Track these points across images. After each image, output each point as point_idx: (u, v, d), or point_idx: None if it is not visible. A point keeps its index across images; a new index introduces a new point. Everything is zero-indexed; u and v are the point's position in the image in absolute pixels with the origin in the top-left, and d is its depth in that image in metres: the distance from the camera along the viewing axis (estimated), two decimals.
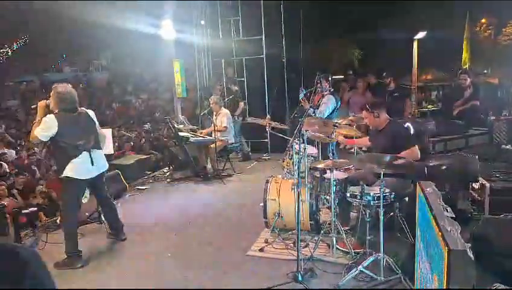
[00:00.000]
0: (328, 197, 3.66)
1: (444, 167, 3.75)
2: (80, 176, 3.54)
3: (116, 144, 7.31)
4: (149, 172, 6.77)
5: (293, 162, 3.98)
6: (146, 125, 8.78)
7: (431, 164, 3.79)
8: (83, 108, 3.73)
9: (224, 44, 8.30)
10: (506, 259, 2.54)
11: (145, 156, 6.84)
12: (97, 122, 3.79)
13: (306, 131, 3.72)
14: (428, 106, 8.86)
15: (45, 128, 3.40)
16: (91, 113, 3.76)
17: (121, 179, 5.61)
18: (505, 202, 3.36)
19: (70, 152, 3.50)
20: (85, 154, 3.56)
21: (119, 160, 6.28)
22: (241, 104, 7.58)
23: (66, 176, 3.52)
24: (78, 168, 3.52)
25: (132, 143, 8.05)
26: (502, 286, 2.33)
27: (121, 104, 11.74)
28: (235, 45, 8.23)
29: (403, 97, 6.96)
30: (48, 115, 3.45)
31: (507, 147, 4.65)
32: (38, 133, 3.42)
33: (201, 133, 6.69)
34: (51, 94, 3.55)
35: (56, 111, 3.49)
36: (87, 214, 4.48)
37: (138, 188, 5.97)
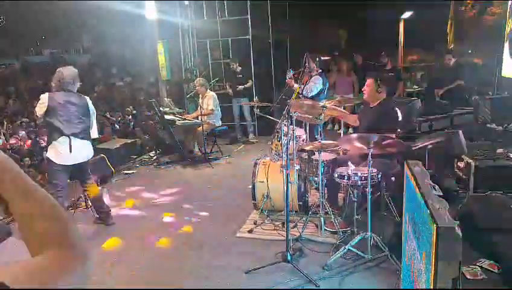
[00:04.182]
0: (316, 178, 3.67)
1: (430, 146, 3.79)
2: (57, 160, 3.53)
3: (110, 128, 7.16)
4: (135, 156, 6.66)
5: (281, 144, 3.96)
6: (129, 108, 8.57)
7: (418, 144, 3.82)
8: (86, 97, 3.75)
9: (209, 24, 8.09)
10: (490, 235, 2.61)
11: (130, 140, 6.71)
12: (93, 116, 3.77)
13: (294, 112, 3.69)
14: (414, 86, 8.90)
15: (39, 104, 3.54)
16: (91, 104, 3.75)
17: (107, 163, 5.50)
18: (489, 180, 3.43)
19: (52, 133, 3.54)
20: (64, 139, 3.50)
21: (104, 144, 6.14)
22: (250, 81, 7.43)
23: (47, 157, 3.59)
24: (57, 151, 3.52)
25: (118, 127, 7.88)
26: (487, 261, 2.40)
27: (104, 86, 11.45)
28: (220, 26, 8.03)
29: (397, 79, 6.99)
30: (45, 93, 3.58)
31: (491, 125, 4.72)
32: (36, 109, 3.63)
33: (187, 116, 6.58)
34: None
35: (55, 91, 3.57)
36: (72, 199, 4.40)
37: (125, 173, 5.89)
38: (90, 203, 4.16)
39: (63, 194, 3.58)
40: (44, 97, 3.52)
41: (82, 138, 3.61)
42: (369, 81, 3.61)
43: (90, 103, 3.75)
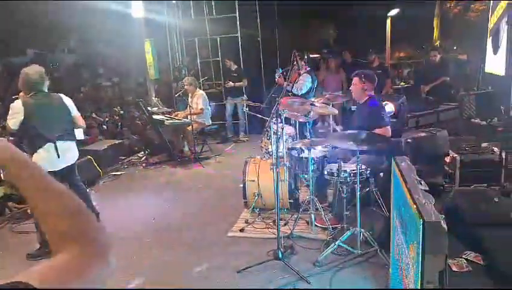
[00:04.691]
0: (306, 175, 3.70)
1: (410, 140, 3.86)
2: (44, 168, 3.37)
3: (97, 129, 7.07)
4: (123, 157, 6.59)
5: (271, 142, 3.97)
6: (116, 109, 8.48)
7: (405, 140, 3.87)
8: (61, 94, 3.52)
9: (197, 23, 8.05)
10: (475, 228, 2.67)
11: (118, 141, 6.64)
12: (75, 112, 3.56)
13: (283, 111, 3.71)
14: (401, 83, 9.01)
15: (12, 114, 3.22)
16: (68, 102, 3.51)
17: (94, 165, 5.44)
18: (474, 174, 3.51)
19: (36, 141, 3.30)
20: (50, 145, 3.33)
21: (91, 146, 6.06)
22: (245, 80, 7.40)
23: None
24: (43, 159, 3.32)
25: (105, 127, 7.79)
26: (472, 254, 2.46)
27: (91, 87, 11.29)
28: (208, 24, 8.00)
29: (384, 76, 7.05)
30: (15, 101, 3.27)
31: (476, 120, 4.82)
32: (9, 122, 3.26)
33: (176, 115, 6.54)
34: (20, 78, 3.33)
35: (26, 96, 3.30)
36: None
37: (113, 174, 5.83)
38: None
39: None
40: (17, 106, 3.20)
41: (67, 140, 3.46)
42: (355, 79, 3.68)
43: (66, 99, 3.50)
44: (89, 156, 5.39)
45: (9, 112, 3.25)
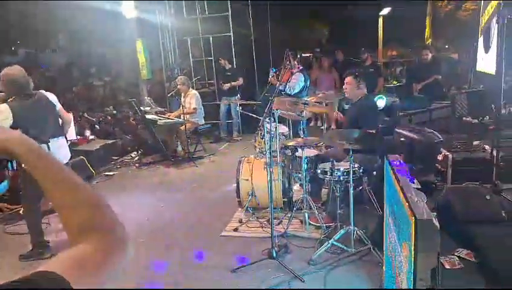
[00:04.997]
0: (299, 174, 3.70)
1: (402, 139, 3.88)
2: None
3: (89, 131, 6.99)
4: (116, 157, 6.54)
5: (264, 142, 3.97)
6: (108, 108, 8.41)
7: (399, 138, 3.90)
8: (41, 91, 3.39)
9: (190, 22, 8.01)
10: (467, 226, 2.69)
11: (111, 141, 6.58)
12: (59, 106, 3.45)
13: (277, 110, 3.70)
14: (394, 82, 9.05)
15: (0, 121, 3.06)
16: (51, 96, 3.41)
17: (87, 165, 5.39)
18: (466, 172, 3.54)
19: None
20: (43, 147, 3.20)
21: (83, 146, 6.00)
22: (240, 78, 7.36)
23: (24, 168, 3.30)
24: None
25: (98, 127, 7.72)
26: (464, 251, 2.48)
27: (82, 86, 11.18)
28: (200, 23, 7.96)
29: (376, 75, 7.08)
30: (0, 105, 3.13)
31: (468, 119, 4.86)
32: None
33: (169, 115, 6.51)
34: (1, 80, 3.18)
35: (9, 99, 3.17)
36: (51, 203, 4.27)
37: (106, 174, 5.78)
38: None
39: (38, 201, 3.35)
40: (4, 110, 3.03)
41: (58, 136, 3.38)
42: (348, 79, 3.69)
43: (49, 94, 3.40)
44: (82, 157, 5.34)
45: None
